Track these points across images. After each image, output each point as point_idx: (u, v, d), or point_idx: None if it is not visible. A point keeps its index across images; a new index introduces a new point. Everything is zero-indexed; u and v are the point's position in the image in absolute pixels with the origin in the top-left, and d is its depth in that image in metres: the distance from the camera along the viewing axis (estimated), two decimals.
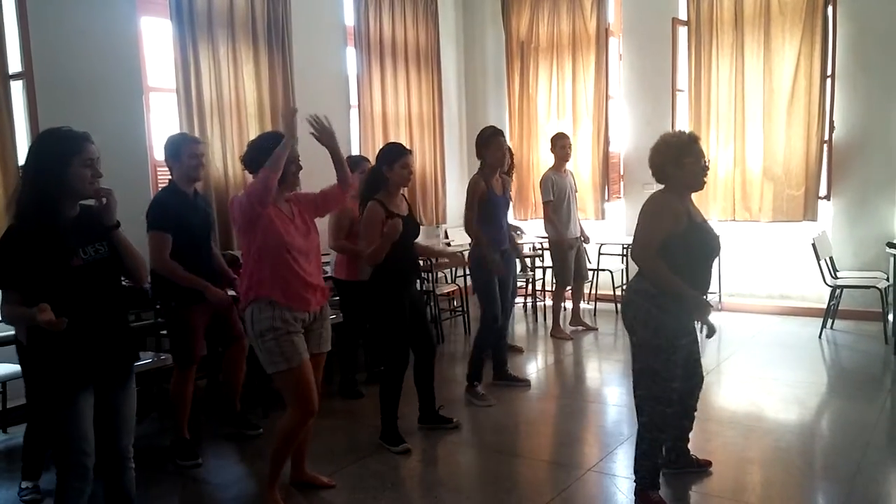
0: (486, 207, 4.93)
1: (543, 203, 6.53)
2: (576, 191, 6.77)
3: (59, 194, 2.53)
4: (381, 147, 4.34)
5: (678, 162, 3.25)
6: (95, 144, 2.59)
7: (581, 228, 6.84)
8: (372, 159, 7.35)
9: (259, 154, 3.24)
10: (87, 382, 2.62)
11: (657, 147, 3.36)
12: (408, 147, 4.24)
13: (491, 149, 4.93)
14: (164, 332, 4.47)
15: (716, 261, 3.62)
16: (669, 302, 3.19)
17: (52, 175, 2.50)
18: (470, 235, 4.99)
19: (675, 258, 3.16)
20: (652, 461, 3.31)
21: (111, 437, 2.73)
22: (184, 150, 4.01)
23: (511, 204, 5.31)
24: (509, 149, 5.94)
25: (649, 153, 3.38)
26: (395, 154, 4.09)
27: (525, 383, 5.34)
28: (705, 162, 3.31)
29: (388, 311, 4.11)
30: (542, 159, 8.55)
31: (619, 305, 7.61)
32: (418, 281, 4.47)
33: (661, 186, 3.37)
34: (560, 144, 6.59)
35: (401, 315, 4.13)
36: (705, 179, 3.33)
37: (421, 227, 4.61)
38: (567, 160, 6.67)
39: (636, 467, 3.36)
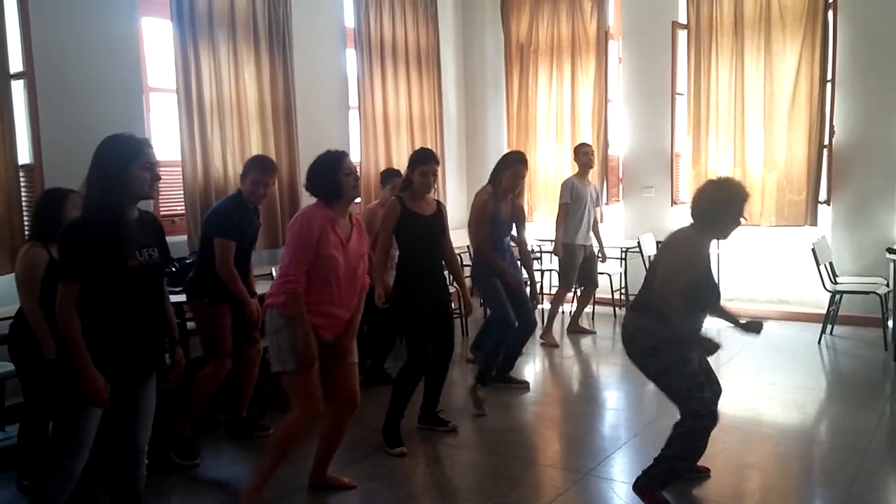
0: (490, 228, 4.96)
1: (559, 205, 6.61)
2: (597, 205, 6.82)
3: (122, 195, 2.66)
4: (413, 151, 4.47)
5: (730, 212, 3.27)
6: (154, 150, 2.76)
7: (600, 244, 6.92)
8: (374, 161, 7.41)
9: (316, 179, 3.39)
10: (118, 376, 2.69)
11: (720, 189, 3.33)
12: (436, 155, 4.31)
13: (509, 173, 4.96)
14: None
15: (714, 267, 3.66)
16: (665, 332, 3.25)
17: (115, 176, 2.64)
18: (482, 253, 4.96)
19: (691, 292, 3.23)
20: (671, 465, 3.31)
21: (128, 430, 2.79)
22: (250, 175, 4.15)
23: (515, 224, 5.29)
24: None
25: (705, 189, 3.35)
26: (417, 160, 4.22)
27: (524, 385, 5.34)
28: (742, 220, 3.33)
29: (406, 311, 4.14)
30: (541, 162, 8.56)
31: (617, 309, 7.65)
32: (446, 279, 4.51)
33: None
34: (583, 151, 6.70)
35: (419, 315, 4.16)
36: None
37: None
38: (591, 166, 6.76)
39: (654, 465, 3.34)
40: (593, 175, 7.82)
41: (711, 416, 3.27)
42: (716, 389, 3.50)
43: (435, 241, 4.30)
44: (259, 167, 4.19)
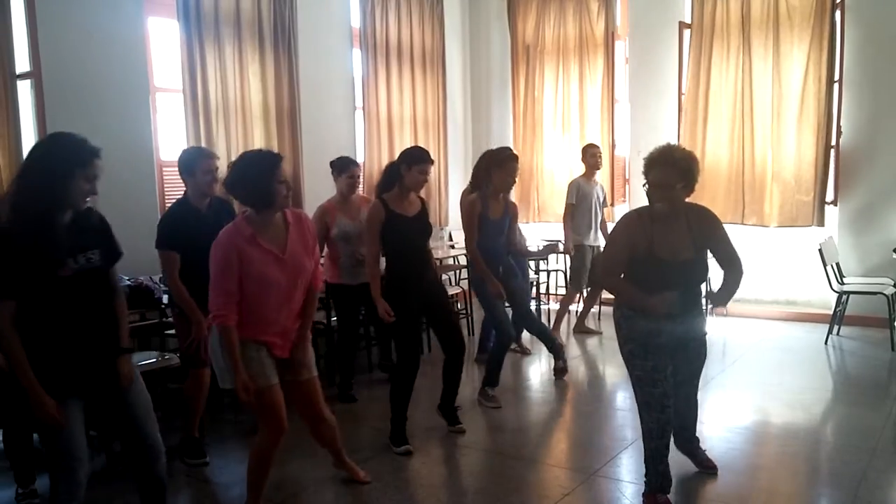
0: (480, 228, 4.86)
1: (565, 205, 6.62)
2: (603, 204, 6.83)
3: (57, 200, 2.44)
4: (405, 148, 4.39)
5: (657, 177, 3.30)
6: (101, 162, 2.52)
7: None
8: (378, 162, 7.39)
9: (244, 183, 3.02)
10: (74, 391, 2.58)
11: (654, 151, 3.36)
12: (431, 155, 4.26)
13: (503, 171, 4.82)
14: (171, 332, 4.48)
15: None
16: (631, 308, 3.32)
17: (56, 177, 2.40)
18: (469, 255, 4.97)
19: (635, 272, 3.31)
20: (655, 466, 3.30)
21: (133, 429, 2.75)
22: (198, 166, 3.86)
23: (509, 222, 5.08)
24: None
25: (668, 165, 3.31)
26: (416, 158, 4.14)
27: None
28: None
29: (396, 314, 4.10)
30: (546, 163, 8.57)
31: None
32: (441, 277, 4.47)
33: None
34: (591, 153, 6.68)
35: (408, 318, 4.14)
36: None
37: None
38: (598, 167, 6.73)
39: (645, 470, 3.37)
40: (602, 175, 7.83)
41: (662, 409, 3.22)
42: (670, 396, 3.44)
43: (422, 240, 4.26)
44: (204, 154, 3.97)
